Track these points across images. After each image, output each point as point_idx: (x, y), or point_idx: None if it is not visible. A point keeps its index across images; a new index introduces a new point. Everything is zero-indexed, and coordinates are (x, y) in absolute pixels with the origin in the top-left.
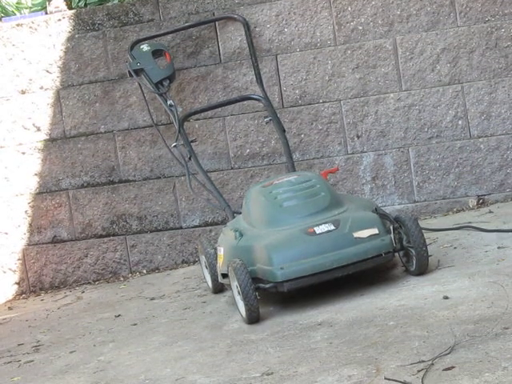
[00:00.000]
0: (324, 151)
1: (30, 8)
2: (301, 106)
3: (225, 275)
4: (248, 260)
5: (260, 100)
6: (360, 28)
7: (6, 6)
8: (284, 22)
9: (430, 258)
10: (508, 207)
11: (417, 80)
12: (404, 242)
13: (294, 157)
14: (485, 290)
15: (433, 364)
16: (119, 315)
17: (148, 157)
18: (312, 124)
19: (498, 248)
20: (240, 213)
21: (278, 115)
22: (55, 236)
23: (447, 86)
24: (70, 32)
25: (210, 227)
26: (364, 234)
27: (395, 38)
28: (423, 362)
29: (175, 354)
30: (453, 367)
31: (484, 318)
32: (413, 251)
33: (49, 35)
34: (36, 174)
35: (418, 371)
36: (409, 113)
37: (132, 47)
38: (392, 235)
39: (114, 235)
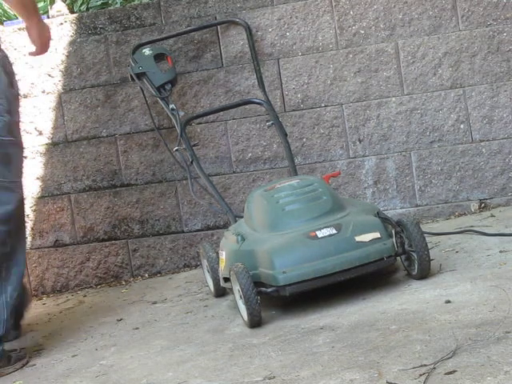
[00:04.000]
0: (326, 155)
1: None
2: (303, 110)
3: (227, 279)
4: (250, 264)
5: (262, 104)
6: (362, 32)
7: (8, 10)
8: (286, 25)
9: (431, 262)
10: (510, 211)
11: (419, 84)
12: (406, 246)
13: (296, 161)
14: (487, 293)
15: (435, 368)
16: (121, 319)
17: (150, 161)
18: (314, 128)
19: (500, 252)
20: (242, 217)
21: (280, 119)
22: (57, 240)
23: (449, 90)
24: (71, 36)
25: (212, 231)
26: (366, 237)
27: (397, 41)
28: (425, 365)
29: (177, 358)
30: (455, 371)
31: (486, 322)
32: (415, 255)
33: None
34: (38, 178)
35: (420, 375)
36: (411, 117)
37: (134, 51)
38: (394, 239)
39: (115, 239)
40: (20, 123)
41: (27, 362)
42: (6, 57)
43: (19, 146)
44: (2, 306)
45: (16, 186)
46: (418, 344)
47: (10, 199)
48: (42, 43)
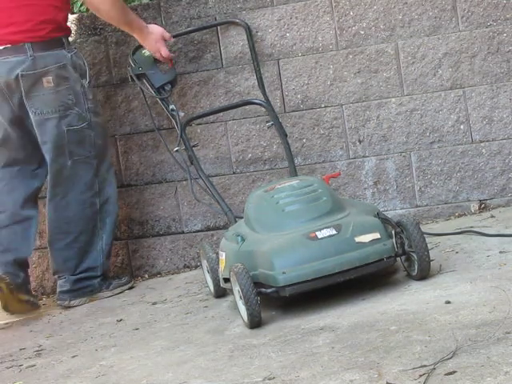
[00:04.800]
0: (326, 156)
1: None
2: (303, 110)
3: (227, 280)
4: (250, 265)
5: (262, 105)
6: (362, 32)
7: None
8: (286, 26)
9: (431, 263)
10: (510, 212)
11: (418, 85)
12: (406, 247)
13: (296, 161)
14: (487, 294)
15: (434, 369)
16: (121, 320)
17: (150, 161)
18: (314, 129)
19: (500, 253)
20: (242, 217)
21: (280, 120)
22: None
23: (449, 91)
24: (71, 36)
25: (212, 232)
26: (366, 238)
27: (397, 42)
28: (425, 366)
29: (177, 359)
30: (455, 372)
31: (486, 323)
32: (415, 256)
33: None
34: None
35: (420, 376)
36: (410, 117)
37: (134, 52)
38: (394, 240)
39: (115, 240)
40: (93, 105)
41: (129, 288)
42: (75, 54)
43: (91, 127)
44: (99, 252)
45: (91, 157)
46: (417, 345)
47: (89, 169)
48: (154, 50)
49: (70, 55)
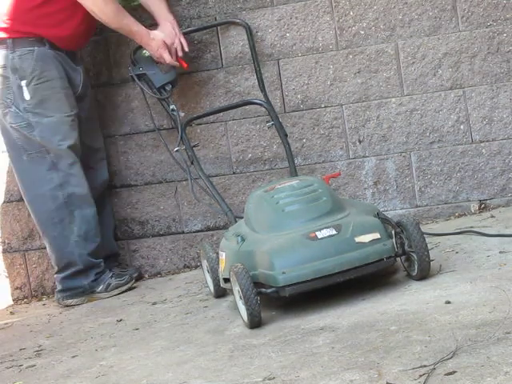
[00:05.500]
0: (326, 156)
1: None
2: (303, 110)
3: (227, 280)
4: (250, 265)
5: (262, 105)
6: (362, 33)
7: None
8: (286, 26)
9: (431, 263)
10: (510, 212)
11: (418, 85)
12: (406, 247)
13: (296, 161)
14: (487, 294)
15: (434, 369)
16: (121, 320)
17: (150, 161)
18: (314, 129)
19: (500, 253)
20: (242, 217)
21: (280, 120)
22: None
23: (449, 91)
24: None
25: (212, 232)
26: (366, 238)
27: (397, 42)
28: (425, 366)
29: (177, 359)
30: (454, 372)
31: (486, 323)
32: (414, 256)
33: None
34: None
35: (420, 376)
36: (410, 117)
37: (134, 52)
38: (394, 240)
39: (116, 240)
40: (32, 106)
41: (128, 289)
42: (19, 56)
43: (30, 127)
44: (73, 246)
45: (43, 152)
46: (417, 345)
47: (44, 163)
48: (156, 57)
49: (11, 56)
